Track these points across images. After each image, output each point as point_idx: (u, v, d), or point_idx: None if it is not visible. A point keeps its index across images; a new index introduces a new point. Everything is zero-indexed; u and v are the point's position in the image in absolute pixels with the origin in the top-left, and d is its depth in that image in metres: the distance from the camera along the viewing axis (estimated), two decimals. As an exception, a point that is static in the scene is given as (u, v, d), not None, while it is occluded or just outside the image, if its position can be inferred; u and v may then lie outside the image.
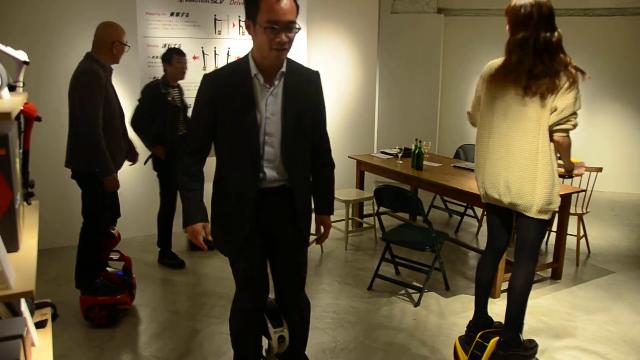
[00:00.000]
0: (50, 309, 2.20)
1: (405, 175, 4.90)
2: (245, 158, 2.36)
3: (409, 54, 7.53)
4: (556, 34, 2.69)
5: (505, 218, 3.04)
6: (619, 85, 7.55)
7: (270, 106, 2.34)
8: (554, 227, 4.70)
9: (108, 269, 3.80)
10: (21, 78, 2.17)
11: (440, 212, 6.30)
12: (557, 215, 4.52)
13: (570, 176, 2.97)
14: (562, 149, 2.78)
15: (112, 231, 3.73)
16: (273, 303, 2.75)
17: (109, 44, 3.47)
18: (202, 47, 5.18)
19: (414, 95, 7.62)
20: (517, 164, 2.76)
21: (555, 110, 2.67)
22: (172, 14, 5.00)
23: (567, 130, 2.73)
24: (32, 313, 2.05)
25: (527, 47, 2.67)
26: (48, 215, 4.94)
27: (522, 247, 2.94)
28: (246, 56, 2.35)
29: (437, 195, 5.96)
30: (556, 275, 4.52)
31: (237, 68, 2.36)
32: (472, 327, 3.16)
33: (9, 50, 2.10)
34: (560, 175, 2.93)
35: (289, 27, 2.18)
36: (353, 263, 4.85)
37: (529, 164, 2.74)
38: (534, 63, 2.65)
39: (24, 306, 1.86)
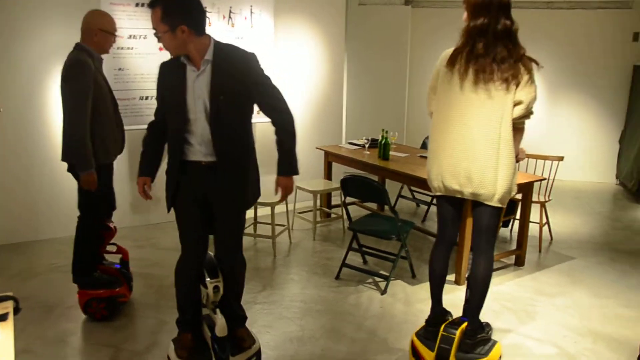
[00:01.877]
0: (12, 302, 2.19)
1: (372, 165, 4.96)
2: (177, 133, 2.76)
3: (376, 45, 7.58)
4: (515, 23, 2.75)
5: (457, 209, 3.05)
6: (581, 76, 7.74)
7: (197, 88, 2.69)
8: (517, 215, 4.82)
9: (104, 262, 3.77)
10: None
11: (407, 202, 6.39)
12: (519, 203, 4.64)
13: (517, 161, 2.99)
14: (519, 137, 2.85)
15: (109, 224, 3.70)
16: (212, 258, 3.08)
17: (94, 31, 3.37)
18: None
19: (383, 87, 7.69)
20: (480, 154, 2.77)
21: (520, 103, 2.73)
22: (137, 5, 4.92)
23: (526, 119, 2.80)
24: (-7, 307, 2.04)
25: (487, 33, 2.71)
26: (14, 209, 4.91)
27: (480, 235, 2.97)
28: None
29: (405, 186, 6.05)
30: (519, 262, 4.64)
31: (177, 58, 2.73)
32: (431, 321, 3.16)
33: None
34: None
35: (157, 34, 2.62)
36: (321, 253, 4.90)
37: (491, 153, 2.75)
38: (497, 48, 2.69)
39: (-17, 298, 1.86)
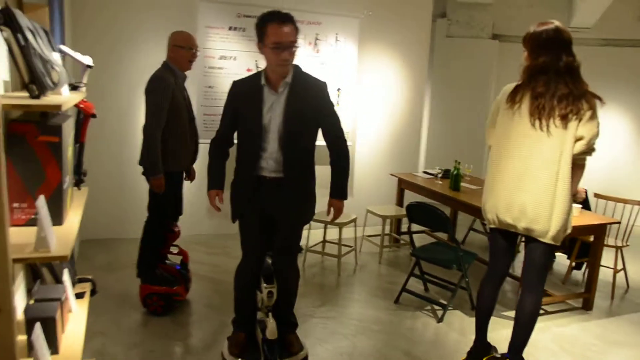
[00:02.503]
0: (90, 284, 2.47)
1: (441, 194, 5.01)
2: (250, 149, 2.97)
3: (462, 77, 7.61)
4: (577, 59, 2.77)
5: (509, 243, 3.06)
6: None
7: (274, 109, 2.91)
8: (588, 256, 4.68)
9: (167, 261, 4.06)
10: (84, 80, 2.45)
11: (480, 236, 6.33)
12: (591, 245, 4.52)
13: (574, 200, 2.97)
14: (580, 174, 2.84)
15: (174, 227, 3.98)
16: (269, 266, 3.33)
17: (170, 48, 3.71)
18: (256, 60, 5.47)
19: (465, 118, 7.68)
20: (536, 188, 2.78)
21: (581, 139, 2.74)
22: (229, 28, 5.33)
23: (587, 156, 2.80)
24: (73, 285, 2.33)
25: (549, 70, 2.75)
26: (105, 209, 5.36)
27: (531, 271, 2.96)
28: (261, 70, 3.00)
29: (477, 219, 6.00)
30: (587, 306, 4.49)
31: (253, 78, 3.01)
32: (472, 352, 3.17)
33: (76, 54, 2.40)
34: None
35: (291, 46, 2.79)
36: (385, 277, 4.98)
37: (548, 189, 2.76)
38: (558, 85, 2.73)
39: (66, 276, 2.14)
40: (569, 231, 2.88)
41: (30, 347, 1.70)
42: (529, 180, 2.82)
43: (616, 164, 7.65)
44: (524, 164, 2.83)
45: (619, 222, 4.51)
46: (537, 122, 2.77)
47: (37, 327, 1.70)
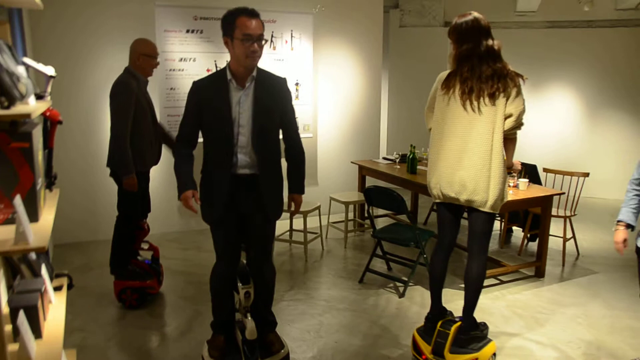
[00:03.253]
0: (67, 278, 2.66)
1: (400, 178, 5.28)
2: (223, 146, 2.95)
3: (416, 65, 7.90)
4: (497, 42, 3.05)
5: (455, 215, 3.33)
6: (622, 94, 7.79)
7: (242, 103, 2.93)
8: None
9: (138, 257, 4.22)
10: (48, 89, 2.61)
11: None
12: (540, 216, 4.84)
13: (510, 171, 3.27)
14: (512, 147, 3.12)
15: (142, 224, 4.15)
16: (244, 266, 3.37)
17: (137, 56, 3.90)
18: (215, 61, 5.66)
19: (422, 105, 7.92)
20: (473, 163, 3.05)
21: (510, 116, 3.01)
22: (187, 31, 5.50)
23: (517, 130, 3.08)
24: (51, 279, 2.51)
25: (472, 56, 3.02)
26: (75, 212, 5.50)
27: (474, 239, 3.24)
28: (224, 67, 2.97)
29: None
30: (539, 274, 4.82)
31: (217, 75, 2.99)
32: (430, 318, 3.42)
33: (39, 66, 2.56)
34: None
35: (260, 39, 2.83)
36: (350, 260, 5.24)
37: (484, 163, 3.03)
38: (482, 67, 3.00)
39: (44, 270, 2.32)
40: (506, 199, 3.16)
41: (15, 332, 1.89)
42: (466, 157, 3.08)
43: (566, 139, 8.05)
44: (460, 143, 3.10)
45: (564, 193, 4.84)
46: (468, 104, 3.04)
47: (21, 314, 1.90)
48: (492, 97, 2.98)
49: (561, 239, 5.28)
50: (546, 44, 7.81)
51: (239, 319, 3.41)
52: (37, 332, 2.01)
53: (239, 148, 2.94)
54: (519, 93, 2.99)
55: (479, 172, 3.06)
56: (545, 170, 5.58)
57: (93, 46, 5.34)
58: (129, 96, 3.79)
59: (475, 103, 3.01)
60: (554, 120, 8.05)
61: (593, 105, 7.88)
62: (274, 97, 3.00)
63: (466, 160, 3.09)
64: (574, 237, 5.41)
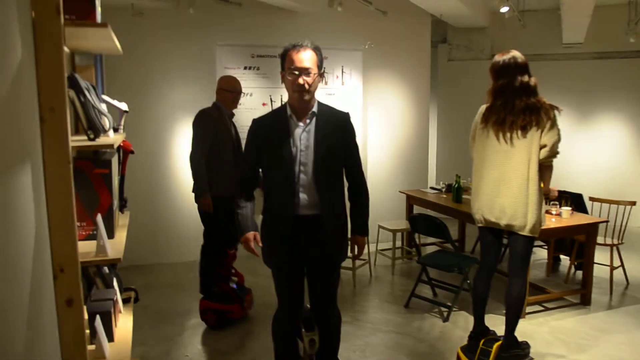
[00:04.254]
0: (133, 292, 2.97)
1: (445, 207, 5.43)
2: (284, 185, 2.82)
3: (464, 97, 8.04)
4: (533, 79, 3.24)
5: (497, 238, 3.53)
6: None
7: (303, 140, 2.81)
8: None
9: (230, 283, 4.42)
10: (122, 123, 2.98)
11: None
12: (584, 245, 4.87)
13: (547, 197, 3.43)
14: (549, 175, 3.28)
15: (229, 250, 4.37)
16: (308, 311, 3.16)
17: (218, 90, 4.32)
18: (270, 95, 6.02)
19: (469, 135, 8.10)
20: (511, 192, 3.27)
21: (544, 146, 3.19)
22: (245, 68, 5.89)
23: (553, 159, 3.24)
24: (120, 293, 2.82)
25: (506, 91, 3.24)
26: (140, 236, 5.89)
27: (515, 262, 3.43)
28: (284, 104, 2.93)
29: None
30: (585, 301, 4.84)
31: (277, 112, 2.95)
32: (472, 336, 3.61)
33: (114, 102, 2.93)
34: None
35: (306, 72, 2.74)
36: (397, 286, 5.40)
37: (520, 191, 3.24)
38: (514, 102, 3.21)
39: (115, 283, 2.64)
40: (544, 223, 3.34)
41: (92, 334, 2.19)
42: (504, 185, 3.30)
43: (616, 169, 7.98)
44: (499, 172, 3.32)
45: (607, 221, 4.87)
46: (501, 136, 3.27)
47: (98, 318, 2.20)
48: (524, 130, 3.18)
49: (609, 268, 5.27)
50: (594, 74, 7.84)
51: None
52: (109, 336, 2.30)
53: (301, 187, 2.81)
54: (553, 125, 3.17)
55: (517, 199, 3.24)
56: (591, 199, 5.61)
57: (159, 83, 5.81)
58: (206, 124, 4.16)
59: (508, 134, 3.22)
60: (603, 150, 8.01)
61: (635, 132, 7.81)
62: (335, 133, 2.86)
63: (504, 188, 3.28)
64: (622, 265, 5.39)
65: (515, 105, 3.21)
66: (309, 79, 2.76)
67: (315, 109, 2.85)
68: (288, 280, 2.98)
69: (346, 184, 3.04)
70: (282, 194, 2.83)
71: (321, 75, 2.83)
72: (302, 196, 2.82)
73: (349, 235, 3.08)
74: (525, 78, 3.24)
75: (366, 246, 3.16)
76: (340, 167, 2.96)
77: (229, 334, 4.23)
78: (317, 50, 2.81)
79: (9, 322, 1.29)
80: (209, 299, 4.31)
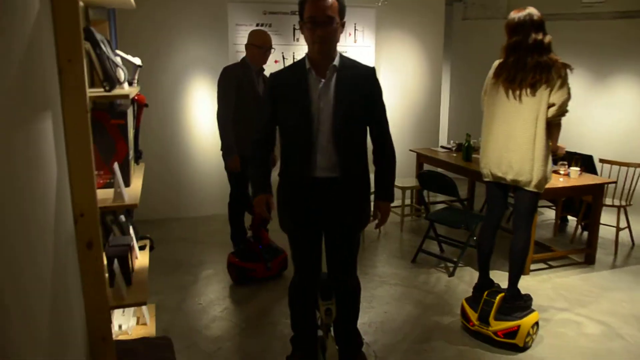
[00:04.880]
0: (149, 241, 3.10)
1: (455, 165, 5.49)
2: (300, 145, 2.64)
3: (479, 57, 7.97)
4: (548, 37, 3.24)
5: (503, 193, 3.59)
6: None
7: (322, 97, 2.59)
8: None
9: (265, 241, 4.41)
10: (136, 77, 3.05)
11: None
12: (591, 205, 4.93)
13: (555, 155, 3.47)
14: (557, 133, 3.32)
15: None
16: (326, 278, 2.98)
17: (247, 46, 4.25)
18: (283, 53, 6.04)
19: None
20: (518, 147, 3.32)
21: (553, 105, 3.22)
22: (257, 24, 5.90)
23: (562, 117, 3.28)
24: (136, 240, 2.95)
25: (520, 48, 3.25)
26: (157, 190, 6.03)
27: (519, 216, 3.51)
28: (304, 56, 2.69)
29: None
30: (589, 261, 4.92)
31: (295, 66, 2.71)
32: (477, 288, 3.72)
33: (128, 57, 3.00)
34: None
35: (327, 21, 2.48)
36: (405, 242, 5.51)
37: (528, 147, 3.29)
38: (526, 59, 3.22)
39: (132, 231, 2.76)
40: (549, 180, 3.41)
41: (111, 277, 2.32)
42: (512, 141, 3.35)
43: (628, 133, 7.91)
44: (507, 128, 3.37)
45: (615, 182, 4.91)
46: (510, 92, 3.30)
47: (116, 262, 2.32)
48: (533, 87, 3.21)
49: (614, 229, 5.33)
50: (613, 35, 7.69)
51: (320, 336, 3.09)
52: (127, 280, 2.43)
53: (318, 148, 2.62)
54: (563, 83, 3.19)
55: (524, 155, 3.30)
56: (601, 160, 5.63)
57: (170, 38, 5.83)
58: (227, 82, 4.16)
59: (517, 92, 3.26)
60: (618, 113, 7.92)
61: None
62: (358, 89, 2.64)
63: (512, 144, 3.34)
64: (628, 227, 5.44)
65: (527, 63, 3.22)
66: (331, 29, 2.52)
67: (336, 62, 2.62)
68: (304, 246, 2.82)
69: (370, 145, 2.83)
70: (298, 154, 2.66)
71: (342, 25, 2.59)
72: (319, 157, 2.63)
73: (372, 200, 2.89)
74: (540, 36, 3.24)
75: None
76: (363, 127, 2.75)
77: (244, 287, 4.35)
78: None
79: (38, 262, 1.39)
80: (233, 254, 4.38)
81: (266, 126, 2.79)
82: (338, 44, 2.64)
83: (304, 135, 2.62)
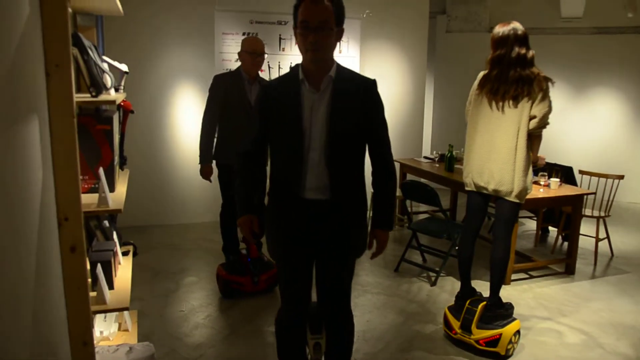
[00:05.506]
0: (132, 247, 3.09)
1: (438, 176, 5.55)
2: (290, 163, 2.39)
3: (462, 69, 8.10)
4: (531, 51, 3.32)
5: (482, 203, 3.64)
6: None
7: (315, 110, 2.35)
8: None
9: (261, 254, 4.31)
10: (122, 83, 3.06)
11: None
12: (571, 216, 5.01)
13: (535, 165, 3.54)
14: (537, 144, 3.39)
15: None
16: (315, 310, 2.70)
17: (239, 53, 4.20)
18: (269, 62, 6.06)
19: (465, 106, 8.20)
20: (500, 158, 3.38)
21: (534, 117, 3.30)
22: (243, 34, 5.93)
23: (542, 129, 3.35)
24: (120, 246, 2.95)
25: (502, 61, 3.33)
26: (138, 197, 6.00)
27: (500, 226, 3.56)
28: (297, 65, 2.44)
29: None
30: (569, 271, 5.00)
31: (288, 76, 2.48)
32: (459, 297, 3.75)
33: (115, 63, 3.01)
34: None
35: (320, 26, 2.24)
36: (388, 251, 5.47)
37: (509, 158, 3.36)
38: (509, 72, 3.30)
39: (115, 236, 2.76)
40: (530, 190, 3.47)
41: (94, 281, 2.32)
42: (494, 151, 3.42)
43: (607, 145, 8.07)
44: (489, 138, 3.44)
45: (594, 193, 5.01)
46: (493, 104, 3.37)
47: (99, 266, 2.32)
48: (515, 100, 3.29)
49: (595, 240, 5.42)
50: (591, 50, 7.87)
51: None
52: (110, 284, 2.43)
53: (309, 167, 2.37)
54: (545, 96, 3.27)
55: (505, 166, 3.37)
56: (580, 172, 5.73)
57: (156, 46, 5.84)
58: (214, 91, 4.20)
59: (500, 103, 3.34)
60: (596, 126, 8.09)
61: (638, 110, 7.88)
62: (356, 104, 2.38)
63: (494, 154, 3.41)
64: (607, 237, 5.53)
65: (510, 76, 3.30)
66: (323, 35, 2.26)
67: (332, 73, 2.37)
68: (292, 273, 2.53)
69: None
70: (287, 172, 2.42)
71: (340, 32, 2.36)
72: (310, 177, 2.37)
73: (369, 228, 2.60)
74: (523, 50, 3.32)
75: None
76: (360, 145, 2.47)
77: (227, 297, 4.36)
78: (335, 1, 2.31)
79: (22, 265, 1.39)
80: (222, 266, 4.32)
81: (256, 139, 2.53)
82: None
83: (294, 152, 2.37)
